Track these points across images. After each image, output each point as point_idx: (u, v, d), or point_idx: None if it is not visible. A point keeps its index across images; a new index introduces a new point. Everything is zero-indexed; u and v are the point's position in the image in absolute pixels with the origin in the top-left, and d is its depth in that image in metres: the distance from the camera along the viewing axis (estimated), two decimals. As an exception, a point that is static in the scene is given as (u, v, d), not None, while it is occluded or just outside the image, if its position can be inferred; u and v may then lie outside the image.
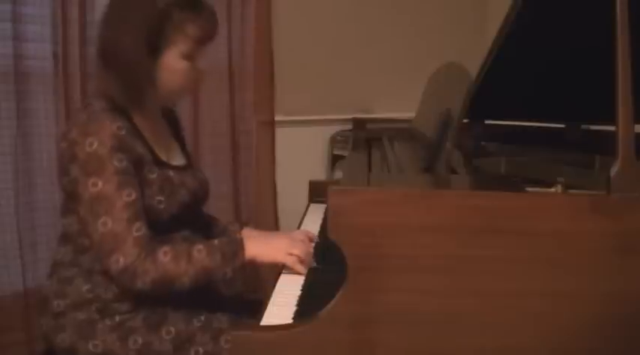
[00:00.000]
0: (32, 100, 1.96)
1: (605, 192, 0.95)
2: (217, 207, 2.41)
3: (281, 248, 1.24)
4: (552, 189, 1.06)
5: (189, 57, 1.22)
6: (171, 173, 1.26)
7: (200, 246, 1.18)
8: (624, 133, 0.95)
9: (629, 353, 0.98)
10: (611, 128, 0.97)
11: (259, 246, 1.23)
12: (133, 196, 1.15)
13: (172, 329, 1.20)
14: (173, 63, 1.20)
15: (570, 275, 0.95)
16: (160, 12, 1.16)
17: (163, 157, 1.27)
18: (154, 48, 1.18)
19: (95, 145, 1.12)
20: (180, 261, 1.15)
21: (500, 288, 0.96)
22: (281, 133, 2.67)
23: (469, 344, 0.97)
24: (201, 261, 1.16)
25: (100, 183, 1.12)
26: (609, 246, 0.94)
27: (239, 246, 1.21)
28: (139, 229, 1.14)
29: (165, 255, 1.15)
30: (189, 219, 1.32)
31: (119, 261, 1.12)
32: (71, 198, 1.19)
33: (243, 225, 1.58)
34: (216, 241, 1.22)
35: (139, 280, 1.13)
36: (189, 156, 1.42)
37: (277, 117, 2.64)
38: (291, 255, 1.23)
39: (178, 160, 1.34)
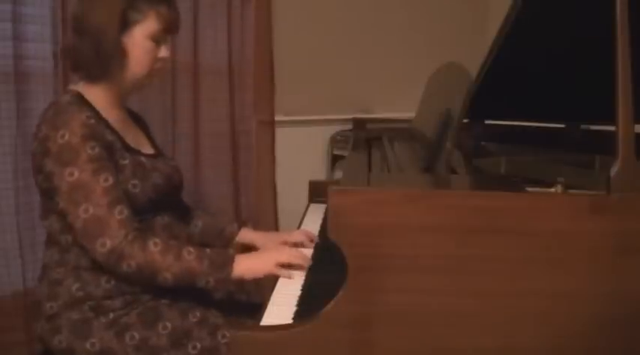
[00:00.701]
0: (32, 100, 1.96)
1: (605, 192, 0.95)
2: (217, 207, 2.42)
3: (268, 260, 1.24)
4: (552, 189, 1.06)
5: (156, 40, 1.26)
6: (142, 159, 1.28)
7: (191, 249, 1.19)
8: (624, 133, 0.95)
9: (629, 352, 0.98)
10: (611, 128, 0.97)
11: (248, 263, 1.23)
12: (111, 181, 1.17)
13: (168, 324, 1.21)
14: (140, 40, 1.24)
15: (570, 275, 0.95)
16: None
17: (133, 145, 1.29)
18: (126, 20, 1.21)
19: (67, 136, 1.15)
20: (168, 255, 1.16)
21: (500, 288, 0.96)
22: (281, 133, 2.67)
23: (469, 344, 0.97)
24: (189, 261, 1.17)
25: (76, 172, 1.14)
26: (609, 246, 0.94)
27: (229, 259, 1.21)
28: (122, 212, 1.16)
29: (155, 246, 1.16)
30: (167, 205, 1.32)
31: (105, 243, 1.13)
32: (48, 197, 1.21)
33: (241, 225, 1.58)
34: (208, 249, 1.23)
35: (125, 263, 1.14)
36: (159, 148, 1.43)
37: (277, 117, 2.64)
38: (278, 264, 1.23)
39: (148, 150, 1.36)
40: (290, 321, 1.06)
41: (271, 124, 2.63)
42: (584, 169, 1.39)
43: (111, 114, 1.27)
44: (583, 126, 1.68)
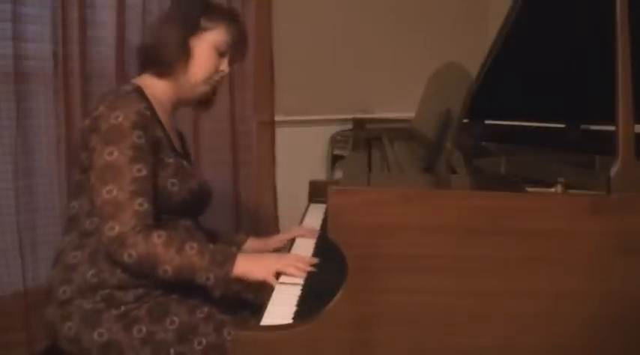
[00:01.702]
0: (32, 100, 1.96)
1: (605, 192, 0.95)
2: (217, 206, 2.41)
3: (269, 268, 1.23)
4: (552, 189, 1.06)
5: (220, 51, 1.34)
6: (185, 162, 1.34)
7: (193, 244, 1.20)
8: (624, 133, 0.95)
9: (629, 352, 0.98)
10: (611, 128, 0.97)
11: (249, 265, 1.22)
12: (144, 172, 1.19)
13: (176, 319, 1.22)
14: (206, 47, 1.32)
15: (570, 275, 0.95)
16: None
17: (178, 149, 1.35)
18: (198, 25, 1.31)
19: (120, 118, 1.19)
20: (170, 248, 1.17)
21: (501, 288, 0.96)
22: (281, 133, 2.67)
23: (469, 344, 0.97)
24: (190, 256, 1.17)
25: (115, 153, 1.18)
26: (609, 246, 0.94)
27: (230, 258, 1.21)
28: (142, 204, 1.17)
29: (159, 237, 1.17)
30: (195, 212, 1.37)
31: (114, 228, 1.15)
32: (86, 175, 1.23)
33: (248, 235, 1.60)
34: (211, 245, 1.24)
35: (126, 252, 1.15)
36: (192, 162, 1.48)
37: (277, 117, 2.64)
38: (276, 273, 1.22)
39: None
40: (290, 321, 1.06)
41: (271, 124, 2.63)
42: (584, 169, 1.39)
43: (163, 115, 1.32)
44: (583, 126, 1.68)
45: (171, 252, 1.16)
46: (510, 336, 0.97)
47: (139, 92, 1.27)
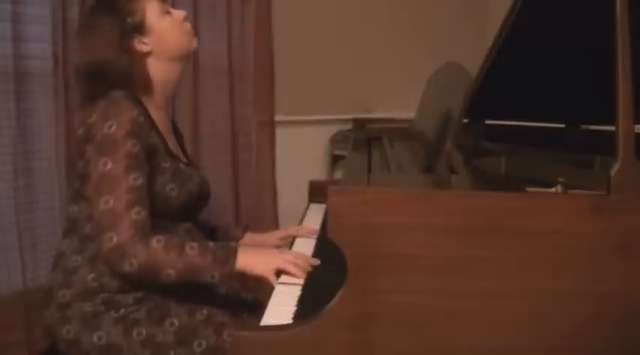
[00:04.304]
0: (32, 100, 1.96)
1: (605, 192, 0.95)
2: (217, 207, 2.41)
3: (270, 264, 1.22)
4: (552, 189, 1.06)
5: (165, 11, 1.31)
6: (181, 165, 1.32)
7: (194, 244, 1.19)
8: (624, 133, 0.95)
9: (629, 352, 0.98)
10: (611, 128, 0.97)
11: (250, 259, 1.22)
12: (140, 181, 1.18)
13: (176, 321, 1.21)
14: (160, 24, 1.28)
15: (570, 275, 0.95)
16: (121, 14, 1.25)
17: (174, 151, 1.33)
18: (136, 29, 1.26)
19: (114, 128, 1.17)
20: (170, 252, 1.16)
21: (500, 288, 0.96)
22: (281, 133, 2.67)
23: (469, 344, 0.97)
24: (192, 257, 1.17)
25: (110, 163, 1.16)
26: (609, 246, 0.94)
27: (232, 253, 1.20)
28: (139, 213, 1.16)
29: (158, 242, 1.16)
30: (195, 213, 1.37)
31: (112, 238, 1.14)
32: (85, 183, 1.22)
33: (245, 229, 1.60)
34: (211, 243, 1.23)
35: (127, 262, 1.14)
36: (190, 159, 1.46)
37: (277, 117, 2.64)
38: (277, 270, 1.22)
39: (182, 159, 1.39)
40: (290, 321, 1.06)
41: (271, 124, 2.63)
42: (584, 169, 1.39)
43: (157, 115, 1.31)
44: (583, 126, 1.68)
45: (172, 256, 1.16)
46: (510, 336, 0.97)
47: (132, 96, 1.25)
